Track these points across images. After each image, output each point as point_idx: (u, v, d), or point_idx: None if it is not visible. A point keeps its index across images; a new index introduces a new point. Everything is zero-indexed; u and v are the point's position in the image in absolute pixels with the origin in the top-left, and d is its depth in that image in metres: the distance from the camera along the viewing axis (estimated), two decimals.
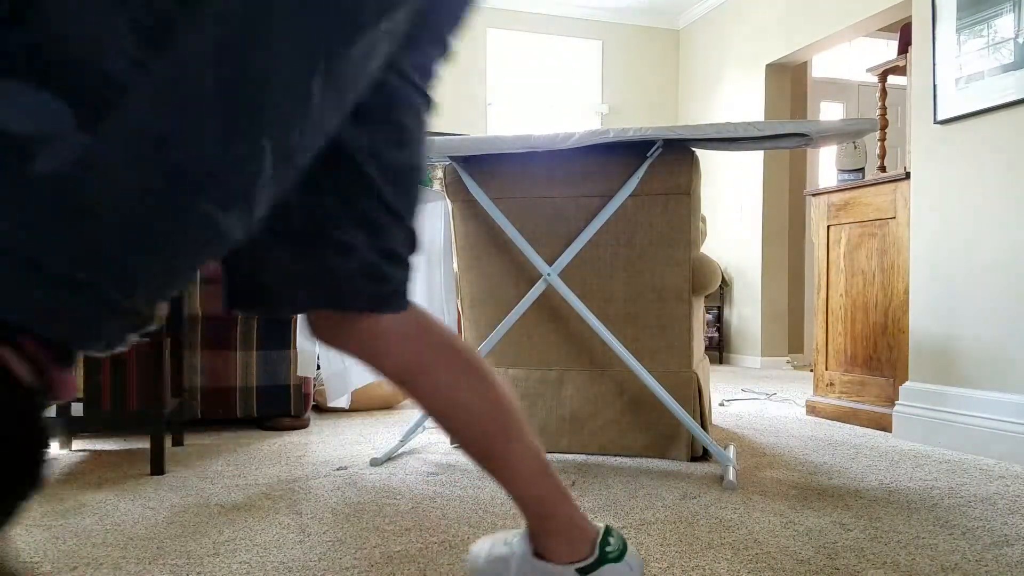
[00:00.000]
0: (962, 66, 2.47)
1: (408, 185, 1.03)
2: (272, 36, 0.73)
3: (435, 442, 2.57)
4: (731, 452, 2.30)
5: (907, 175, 2.77)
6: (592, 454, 2.35)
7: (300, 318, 2.19)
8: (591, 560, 1.09)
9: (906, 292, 2.75)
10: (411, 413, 3.26)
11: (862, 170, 3.15)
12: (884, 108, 3.25)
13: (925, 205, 2.64)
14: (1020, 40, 2.29)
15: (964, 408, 2.46)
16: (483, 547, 1.23)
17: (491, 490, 1.91)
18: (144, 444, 2.57)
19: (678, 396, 2.27)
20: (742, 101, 5.98)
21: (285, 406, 2.82)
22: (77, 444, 2.55)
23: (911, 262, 2.70)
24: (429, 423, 2.95)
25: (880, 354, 2.91)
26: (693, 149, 2.30)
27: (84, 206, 0.68)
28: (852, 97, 6.55)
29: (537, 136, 2.15)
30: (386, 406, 3.39)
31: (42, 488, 0.75)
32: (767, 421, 3.07)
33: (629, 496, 1.86)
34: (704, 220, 3.05)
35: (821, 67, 6.57)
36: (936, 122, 2.57)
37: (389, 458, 2.29)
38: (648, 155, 2.24)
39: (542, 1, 6.41)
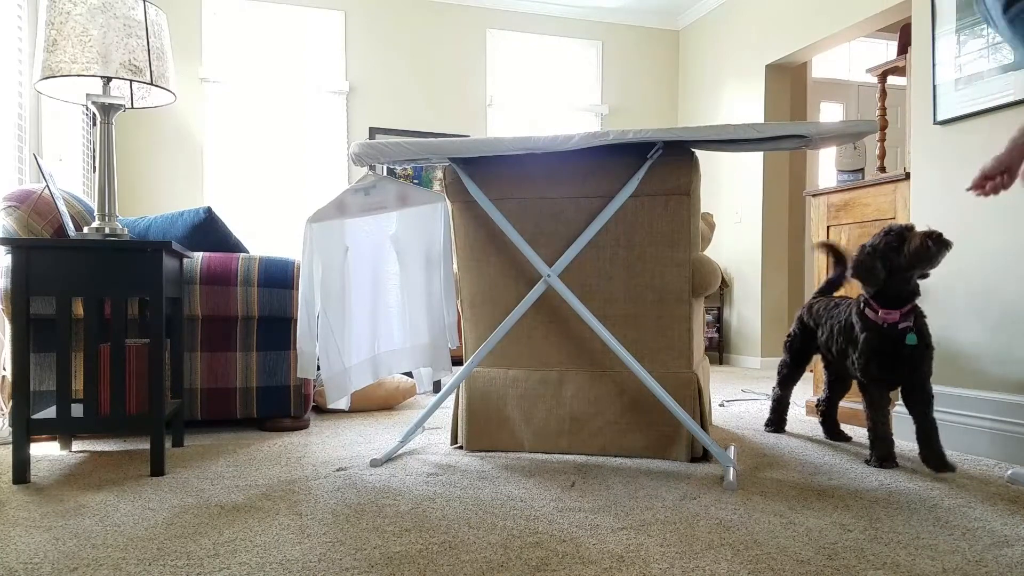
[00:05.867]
0: (962, 66, 2.47)
1: None
2: None
3: (435, 443, 2.57)
4: (731, 453, 2.30)
5: (907, 175, 2.77)
6: (592, 454, 2.35)
7: (299, 319, 2.19)
8: None
9: None
10: (411, 414, 3.26)
11: (862, 170, 3.15)
12: (884, 109, 3.25)
13: (925, 205, 2.64)
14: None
15: (964, 408, 2.46)
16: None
17: (491, 490, 1.91)
18: (144, 445, 2.57)
19: (678, 397, 2.27)
20: (742, 102, 5.98)
21: (285, 407, 2.83)
22: (77, 445, 2.55)
23: None
24: (429, 423, 2.95)
25: None
26: (693, 150, 2.30)
27: None
28: (852, 97, 6.55)
29: (537, 138, 2.15)
30: (386, 407, 3.39)
31: None
32: None
33: (629, 496, 1.86)
34: (711, 215, 3.05)
35: (821, 68, 6.58)
36: (936, 122, 2.57)
37: (389, 459, 2.29)
38: (648, 156, 2.24)
39: (542, 1, 6.41)
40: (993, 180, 1.95)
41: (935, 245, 2.04)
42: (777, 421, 2.79)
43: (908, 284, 2.14)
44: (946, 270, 2.55)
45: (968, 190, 1.96)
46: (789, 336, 2.74)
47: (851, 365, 2.30)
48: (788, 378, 2.75)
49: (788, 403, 2.78)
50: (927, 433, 2.16)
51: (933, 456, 2.15)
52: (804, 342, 2.68)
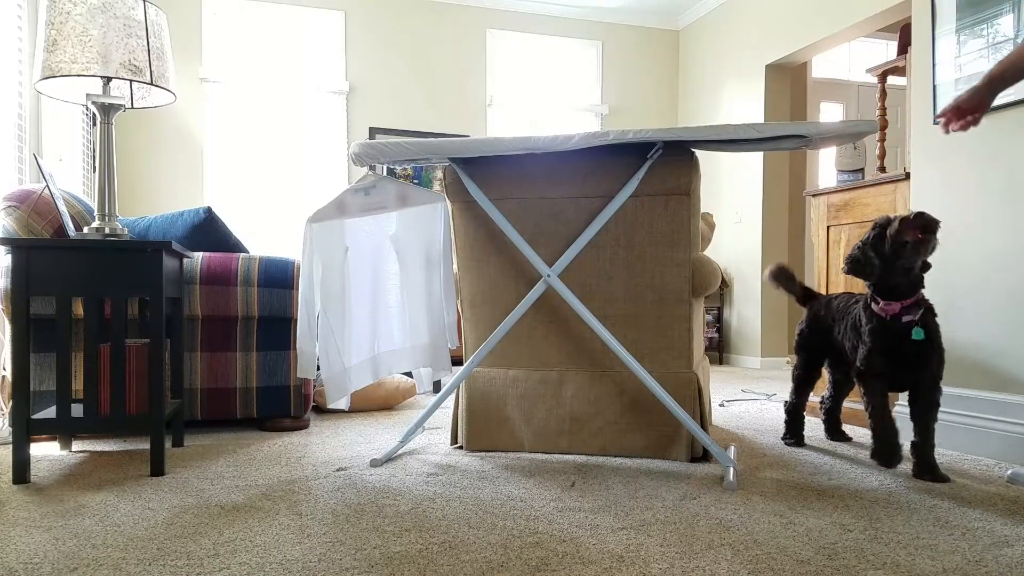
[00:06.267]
0: (962, 66, 2.47)
1: None
2: None
3: (435, 443, 2.57)
4: (731, 453, 2.30)
5: (907, 175, 2.77)
6: (592, 454, 2.35)
7: (301, 319, 2.18)
8: None
9: None
10: (410, 414, 3.26)
11: (862, 170, 3.15)
12: (884, 108, 3.25)
13: (925, 205, 2.64)
14: (1020, 40, 2.29)
15: (964, 408, 2.46)
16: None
17: (491, 490, 1.91)
18: (144, 445, 2.57)
19: (678, 397, 2.27)
20: (742, 102, 5.98)
21: (285, 407, 2.83)
22: (77, 445, 2.55)
23: None
24: (429, 423, 2.95)
25: None
26: (693, 150, 2.30)
27: None
28: (852, 97, 6.55)
29: (537, 138, 2.15)
30: (386, 407, 3.39)
31: None
32: (767, 422, 3.07)
33: (629, 496, 1.86)
34: (711, 215, 3.03)
35: (821, 67, 6.58)
36: (936, 122, 2.57)
37: (389, 459, 2.29)
38: (648, 156, 2.24)
39: (542, 1, 6.41)
40: (964, 118, 1.94)
41: (911, 228, 1.96)
42: (795, 434, 2.56)
43: (907, 276, 2.05)
44: (945, 269, 2.55)
45: (938, 118, 1.92)
46: (799, 334, 2.57)
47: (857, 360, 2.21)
48: (803, 381, 2.54)
49: (803, 413, 2.57)
50: (922, 447, 2.08)
51: (927, 470, 2.05)
52: (816, 339, 2.50)
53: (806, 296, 2.62)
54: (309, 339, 2.24)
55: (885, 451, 2.09)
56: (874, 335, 2.12)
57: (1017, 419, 2.29)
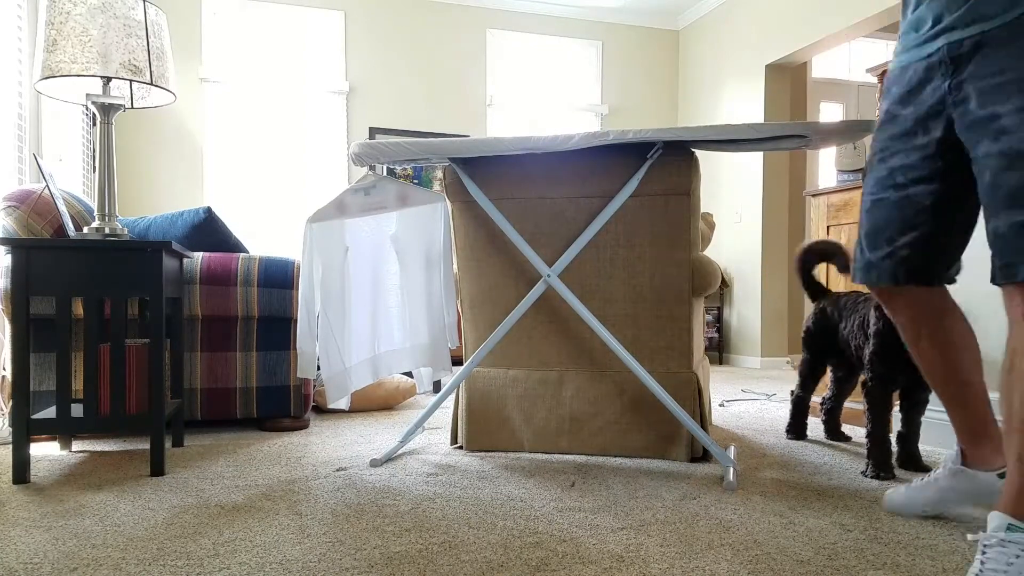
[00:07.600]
0: None
1: None
2: None
3: (435, 443, 2.57)
4: (731, 453, 2.30)
5: None
6: (592, 454, 2.35)
7: (302, 319, 2.19)
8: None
9: None
10: (410, 414, 3.26)
11: (862, 170, 3.15)
12: None
13: None
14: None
15: None
16: (898, 491, 1.71)
17: (491, 490, 1.91)
18: (144, 445, 2.57)
19: (678, 397, 2.27)
20: (742, 102, 5.99)
21: (285, 407, 2.83)
22: (77, 445, 2.55)
23: None
24: (429, 423, 2.95)
25: None
26: (693, 150, 2.30)
27: None
28: (851, 97, 6.55)
29: (537, 138, 2.16)
30: (386, 407, 3.39)
31: None
32: (767, 422, 3.07)
33: (629, 496, 1.86)
34: (711, 215, 3.03)
35: (821, 67, 6.58)
36: None
37: (389, 459, 2.29)
38: (648, 156, 2.24)
39: (542, 1, 6.41)
40: None
41: None
42: (797, 427, 2.64)
43: None
44: None
45: None
46: (805, 331, 2.59)
47: (863, 359, 2.24)
48: (808, 377, 2.58)
49: (808, 406, 2.64)
50: (908, 437, 2.20)
51: (910, 461, 2.18)
52: (821, 337, 2.51)
53: (815, 291, 2.64)
54: (309, 339, 2.24)
55: (881, 463, 2.10)
56: (877, 335, 2.15)
57: None
